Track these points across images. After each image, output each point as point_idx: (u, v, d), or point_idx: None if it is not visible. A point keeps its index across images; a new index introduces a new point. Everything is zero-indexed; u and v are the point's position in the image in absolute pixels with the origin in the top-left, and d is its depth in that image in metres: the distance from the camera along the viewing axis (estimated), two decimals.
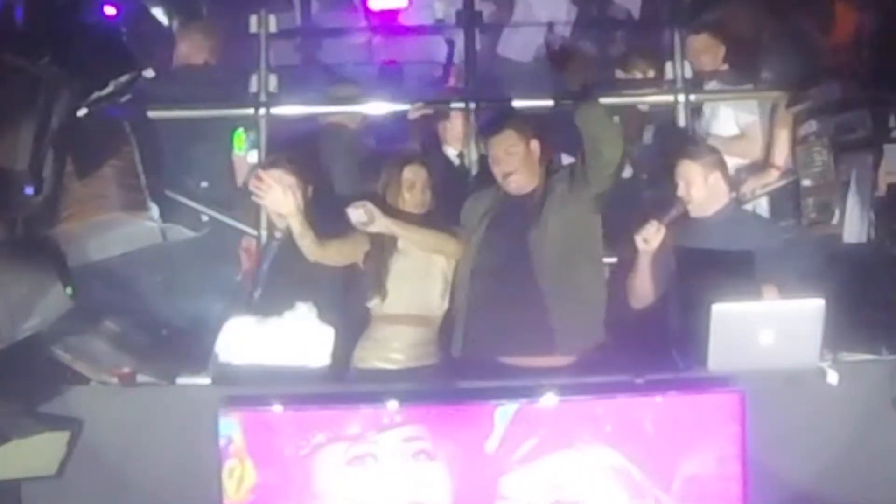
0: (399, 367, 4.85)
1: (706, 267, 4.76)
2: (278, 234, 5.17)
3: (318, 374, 4.67)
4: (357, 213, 4.81)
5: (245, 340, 4.67)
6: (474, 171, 5.61)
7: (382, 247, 4.94)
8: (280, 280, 5.01)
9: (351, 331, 4.96)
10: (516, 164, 4.97)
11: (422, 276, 4.92)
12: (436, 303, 4.97)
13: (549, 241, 4.88)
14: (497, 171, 5.02)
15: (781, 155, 5.74)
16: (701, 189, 5.03)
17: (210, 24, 6.12)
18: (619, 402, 4.42)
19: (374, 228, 4.83)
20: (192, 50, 5.92)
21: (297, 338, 4.68)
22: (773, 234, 5.19)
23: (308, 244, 4.81)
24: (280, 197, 4.80)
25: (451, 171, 5.67)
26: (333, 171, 5.52)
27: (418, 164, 5.06)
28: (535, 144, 5.00)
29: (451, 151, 5.77)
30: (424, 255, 4.93)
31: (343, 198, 5.09)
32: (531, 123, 5.10)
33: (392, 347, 4.87)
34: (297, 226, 4.81)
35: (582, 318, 4.86)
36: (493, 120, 5.26)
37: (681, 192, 5.04)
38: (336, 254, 4.92)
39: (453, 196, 5.24)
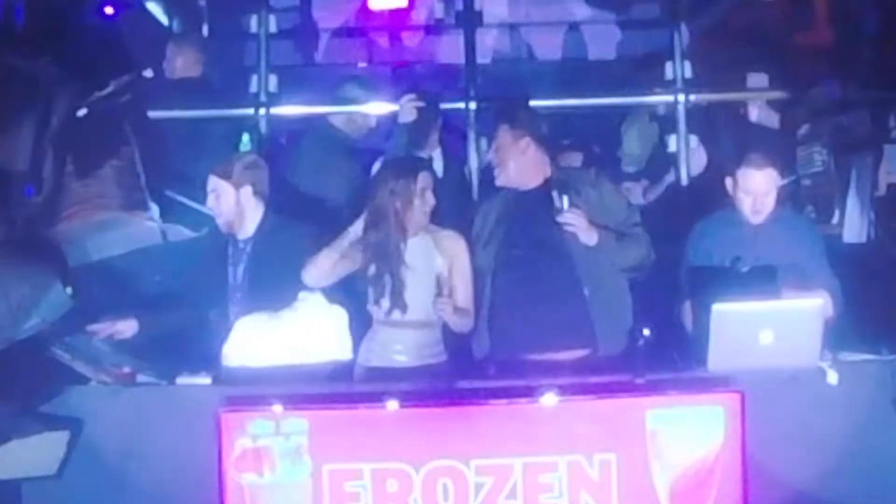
0: (405, 366, 4.84)
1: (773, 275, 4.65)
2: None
3: (330, 371, 4.67)
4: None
5: (257, 341, 4.66)
6: (475, 174, 5.61)
7: (385, 256, 4.87)
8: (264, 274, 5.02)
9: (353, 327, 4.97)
10: (500, 158, 4.96)
11: (421, 283, 4.88)
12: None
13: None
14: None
15: None
16: (774, 196, 4.78)
17: (201, 37, 6.10)
18: (618, 402, 4.42)
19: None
20: (187, 63, 5.92)
21: (310, 332, 4.67)
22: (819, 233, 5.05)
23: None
24: None
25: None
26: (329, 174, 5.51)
27: (427, 170, 5.05)
28: (525, 142, 4.94)
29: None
30: (424, 262, 4.89)
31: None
32: (537, 123, 5.05)
33: (396, 349, 4.85)
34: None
35: (616, 307, 4.84)
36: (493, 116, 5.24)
37: (749, 207, 4.74)
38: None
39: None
